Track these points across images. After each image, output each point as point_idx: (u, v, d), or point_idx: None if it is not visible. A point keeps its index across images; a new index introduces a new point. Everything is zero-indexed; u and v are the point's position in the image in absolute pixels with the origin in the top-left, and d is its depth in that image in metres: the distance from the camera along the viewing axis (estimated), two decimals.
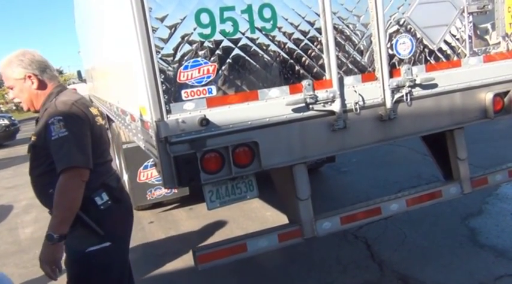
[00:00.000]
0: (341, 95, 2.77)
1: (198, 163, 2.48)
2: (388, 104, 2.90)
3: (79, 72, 15.58)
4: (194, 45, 2.45)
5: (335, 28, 2.73)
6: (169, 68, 2.42)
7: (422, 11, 2.96)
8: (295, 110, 2.68)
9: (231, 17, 2.48)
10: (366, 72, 2.88)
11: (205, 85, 2.49)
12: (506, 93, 3.27)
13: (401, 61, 2.96)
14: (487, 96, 3.21)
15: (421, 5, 2.95)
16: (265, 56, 2.60)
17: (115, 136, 6.39)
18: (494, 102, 3.21)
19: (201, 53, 2.46)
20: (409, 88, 2.95)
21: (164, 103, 2.42)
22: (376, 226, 4.30)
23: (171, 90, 2.43)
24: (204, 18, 2.44)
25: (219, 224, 5.12)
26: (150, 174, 5.33)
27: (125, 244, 2.46)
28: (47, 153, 2.17)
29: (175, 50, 2.42)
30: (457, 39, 3.11)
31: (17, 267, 4.73)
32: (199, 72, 2.47)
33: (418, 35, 2.99)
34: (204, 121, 2.46)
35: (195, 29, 2.43)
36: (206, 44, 2.47)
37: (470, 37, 3.15)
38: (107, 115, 6.39)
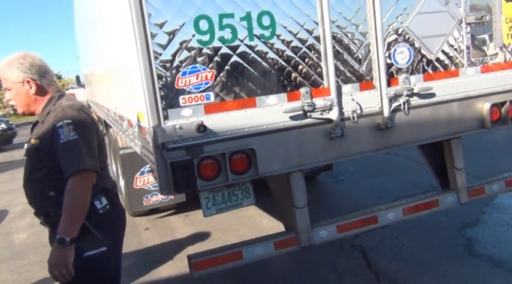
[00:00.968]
0: (339, 103, 2.77)
1: (194, 169, 2.47)
2: (386, 113, 2.90)
3: (77, 77, 15.58)
4: (193, 52, 2.45)
5: (333, 37, 2.74)
6: (168, 74, 2.42)
7: (421, 20, 2.97)
8: (292, 118, 2.68)
9: (230, 24, 2.49)
10: (363, 81, 2.88)
11: (203, 91, 2.49)
12: (503, 103, 3.28)
13: (399, 70, 2.97)
14: (484, 106, 3.22)
15: (420, 15, 2.97)
16: (263, 63, 2.61)
17: (112, 142, 6.37)
18: (492, 112, 3.22)
19: (199, 59, 2.46)
20: (407, 98, 2.95)
21: (162, 109, 2.41)
22: (373, 234, 4.29)
23: (168, 96, 2.43)
24: (203, 24, 2.44)
25: (215, 232, 5.10)
26: (146, 180, 5.31)
27: (119, 248, 2.47)
28: (50, 157, 2.17)
29: (174, 56, 2.42)
30: (455, 49, 3.13)
31: (10, 273, 4.70)
32: (197, 79, 2.47)
33: (416, 45, 3.00)
34: (202, 128, 2.45)
35: (193, 36, 2.44)
36: (205, 50, 2.47)
37: (468, 47, 3.16)
38: (104, 120, 6.38)
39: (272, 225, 4.96)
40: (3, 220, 6.74)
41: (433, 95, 3.04)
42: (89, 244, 2.17)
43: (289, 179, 2.82)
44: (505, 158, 6.50)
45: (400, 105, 2.95)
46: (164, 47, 2.40)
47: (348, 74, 2.84)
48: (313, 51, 2.72)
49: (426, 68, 3.05)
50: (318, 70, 2.75)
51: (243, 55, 2.55)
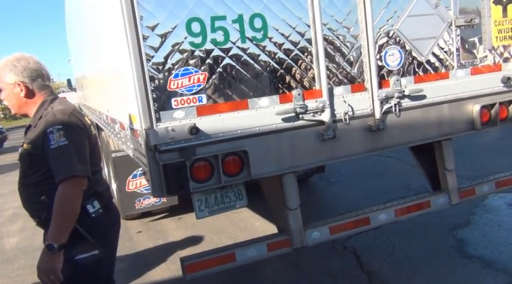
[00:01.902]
0: (331, 105, 2.79)
1: (187, 171, 2.47)
2: (377, 115, 2.92)
3: (69, 81, 15.51)
4: (185, 54, 2.45)
5: (325, 39, 2.76)
6: (160, 76, 2.42)
7: (411, 23, 3.00)
8: (285, 120, 2.69)
9: (222, 26, 2.50)
10: (355, 83, 2.90)
11: (196, 93, 2.50)
12: (492, 105, 3.32)
13: (390, 72, 2.99)
14: (474, 108, 3.25)
15: (410, 18, 2.99)
16: (255, 65, 2.62)
17: (104, 145, 6.35)
18: (482, 113, 3.25)
19: (191, 61, 2.47)
20: (398, 99, 2.98)
21: (154, 112, 2.41)
22: (365, 236, 4.31)
23: (161, 98, 2.43)
24: (195, 27, 2.45)
25: (208, 234, 5.09)
26: (139, 183, 5.29)
27: (112, 251, 2.45)
28: (42, 162, 2.16)
29: (166, 58, 2.42)
30: (445, 52, 3.16)
31: (1, 277, 4.66)
32: (189, 81, 2.47)
33: (407, 47, 3.03)
34: (194, 130, 2.45)
35: (186, 38, 2.44)
36: (197, 52, 2.47)
37: (457, 50, 3.20)
38: (96, 124, 6.35)
39: (265, 227, 4.96)
40: None
41: (423, 97, 3.07)
42: (81, 248, 2.17)
43: (281, 181, 2.83)
44: (494, 160, 6.57)
45: (391, 107, 2.97)
46: (156, 49, 2.40)
47: (340, 76, 2.86)
48: (305, 54, 2.73)
49: (417, 70, 3.08)
50: (310, 72, 2.76)
51: (235, 57, 2.56)
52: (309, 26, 2.72)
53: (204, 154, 2.51)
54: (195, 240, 4.98)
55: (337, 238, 3.23)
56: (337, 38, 2.83)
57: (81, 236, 2.13)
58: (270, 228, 4.42)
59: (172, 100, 2.45)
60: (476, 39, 3.31)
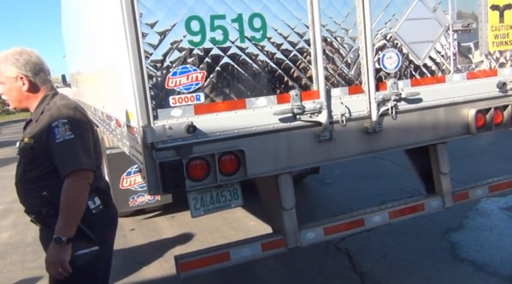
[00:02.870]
0: (328, 106, 2.80)
1: (183, 170, 2.47)
2: (374, 117, 2.94)
3: (63, 76, 15.41)
4: (183, 52, 2.45)
5: (324, 40, 2.77)
6: (158, 74, 2.41)
7: (409, 27, 3.02)
8: (282, 120, 2.70)
9: (222, 25, 2.50)
10: (352, 85, 2.91)
11: (194, 92, 2.49)
12: (488, 110, 3.34)
13: (387, 75, 3.01)
14: (469, 112, 3.28)
15: (408, 21, 3.01)
16: (254, 65, 2.62)
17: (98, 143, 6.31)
18: (477, 118, 3.28)
19: (190, 60, 2.47)
20: (395, 102, 2.99)
21: (151, 109, 2.41)
22: (359, 238, 4.32)
23: (158, 96, 2.43)
24: (195, 25, 2.45)
25: (202, 233, 5.09)
26: (133, 180, 5.28)
27: (110, 248, 2.46)
28: (45, 156, 2.15)
29: (165, 56, 2.41)
30: (442, 56, 3.18)
31: None
32: (187, 79, 2.47)
33: (405, 50, 3.05)
34: (191, 128, 2.45)
35: (184, 36, 2.44)
36: (195, 51, 2.47)
37: (454, 54, 3.22)
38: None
39: (259, 227, 4.96)
40: None
41: (420, 100, 3.09)
42: (81, 243, 2.16)
43: (277, 181, 2.83)
44: (488, 164, 6.61)
45: (387, 109, 2.98)
46: (155, 47, 2.39)
47: (338, 78, 2.87)
48: (303, 54, 2.74)
49: (414, 73, 3.09)
50: (308, 73, 2.77)
51: (233, 56, 2.56)
52: (308, 27, 2.72)
53: (200, 153, 2.51)
54: (189, 239, 4.98)
55: (331, 239, 3.24)
56: (336, 39, 2.84)
57: (81, 232, 2.13)
58: (264, 228, 4.43)
59: (170, 98, 2.45)
60: (472, 44, 3.33)
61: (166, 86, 2.43)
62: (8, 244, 5.47)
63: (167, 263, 4.29)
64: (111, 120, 3.80)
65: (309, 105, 2.74)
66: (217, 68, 2.53)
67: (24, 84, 2.27)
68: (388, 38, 2.99)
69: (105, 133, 5.18)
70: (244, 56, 2.58)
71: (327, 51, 2.81)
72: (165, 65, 2.42)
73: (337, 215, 3.26)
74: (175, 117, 2.46)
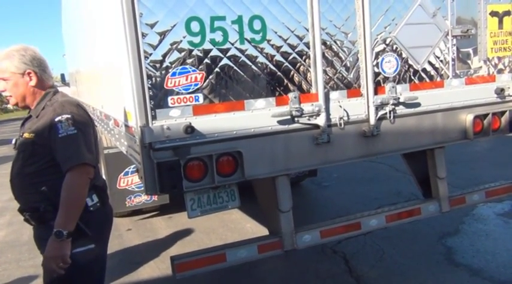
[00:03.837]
0: (326, 109, 2.80)
1: (181, 170, 2.47)
2: (372, 120, 2.94)
3: (62, 75, 15.38)
4: (183, 53, 2.45)
5: (323, 43, 2.78)
6: (157, 74, 2.42)
7: (408, 31, 3.03)
8: (280, 122, 2.70)
9: (221, 26, 2.50)
10: (351, 88, 2.92)
11: (192, 93, 2.50)
12: (485, 115, 3.35)
13: (386, 79, 3.02)
14: (467, 118, 3.29)
15: (407, 26, 3.02)
16: (253, 67, 2.63)
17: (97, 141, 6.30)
18: (474, 123, 3.29)
19: (189, 60, 2.47)
20: (393, 106, 3.00)
21: (150, 109, 2.41)
22: (355, 241, 4.32)
23: (157, 96, 2.43)
24: (195, 26, 2.45)
25: (198, 234, 5.08)
26: (130, 180, 5.27)
27: (105, 246, 2.46)
28: (45, 151, 2.17)
29: (164, 56, 2.42)
30: (441, 61, 3.19)
31: None
32: (186, 80, 2.47)
33: (404, 55, 3.06)
34: (189, 129, 2.45)
35: (184, 37, 2.44)
36: (195, 52, 2.48)
37: (453, 59, 3.23)
38: None
39: (255, 229, 4.96)
40: None
41: (418, 105, 3.10)
42: (78, 241, 2.16)
43: (275, 183, 2.83)
44: (485, 169, 6.63)
45: (386, 113, 2.99)
46: (155, 47, 2.40)
47: (336, 81, 2.87)
48: (303, 57, 2.75)
49: (412, 77, 3.10)
50: (307, 76, 2.77)
51: (233, 58, 2.56)
52: (307, 30, 2.73)
53: (198, 154, 2.51)
54: (185, 240, 4.97)
55: (327, 242, 3.25)
56: (335, 42, 2.84)
57: (79, 229, 2.13)
58: (261, 230, 4.42)
59: (169, 98, 2.45)
60: (471, 50, 3.34)
61: (165, 86, 2.44)
62: (3, 242, 5.46)
63: (163, 264, 4.28)
64: (109, 120, 3.80)
65: (307, 107, 2.75)
66: (217, 69, 2.54)
67: (31, 79, 2.28)
68: (387, 42, 3.00)
69: (103, 132, 5.17)
70: (243, 58, 2.59)
71: (326, 54, 2.81)
72: (164, 65, 2.42)
73: (334, 218, 3.26)
74: (174, 118, 2.47)
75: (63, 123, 2.12)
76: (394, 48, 3.03)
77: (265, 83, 2.67)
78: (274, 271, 3.98)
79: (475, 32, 3.28)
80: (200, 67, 2.50)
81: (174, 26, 2.42)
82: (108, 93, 3.61)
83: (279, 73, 2.69)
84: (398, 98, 3.00)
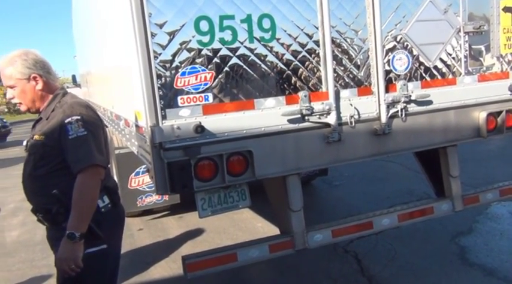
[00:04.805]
0: (337, 108, 2.78)
1: (191, 170, 2.47)
2: (383, 119, 2.92)
3: (74, 77, 15.52)
4: (192, 52, 2.45)
5: (333, 41, 2.76)
6: (167, 74, 2.42)
7: (420, 28, 3.00)
8: (290, 121, 2.69)
9: (231, 25, 2.50)
10: (362, 86, 2.90)
11: (202, 92, 2.49)
12: (499, 112, 3.30)
13: (397, 77, 2.99)
14: (480, 115, 3.24)
15: (419, 23, 2.99)
16: (262, 65, 2.62)
17: (107, 142, 6.34)
18: (488, 121, 3.24)
19: (198, 60, 2.47)
20: (404, 104, 2.97)
21: (160, 109, 2.41)
22: (367, 240, 4.29)
23: (167, 96, 2.43)
24: (204, 25, 2.45)
25: (209, 234, 5.08)
26: (141, 180, 5.29)
27: (118, 247, 2.47)
28: (55, 153, 2.17)
29: (174, 56, 2.42)
30: (453, 58, 3.15)
31: (1, 270, 4.65)
32: (196, 79, 2.47)
33: (415, 52, 3.02)
34: (199, 129, 2.45)
35: (194, 36, 2.44)
36: (204, 51, 2.47)
37: (465, 56, 3.19)
38: None
39: (266, 229, 4.95)
40: None
41: (430, 102, 3.06)
42: (90, 242, 2.17)
43: (285, 182, 2.82)
44: (498, 168, 6.54)
45: (397, 111, 2.96)
46: (164, 47, 2.40)
47: (347, 79, 2.85)
48: (312, 55, 2.73)
49: (424, 75, 3.07)
50: (317, 74, 2.76)
51: (242, 57, 2.56)
52: (317, 28, 2.71)
53: (208, 153, 2.51)
54: (196, 239, 4.97)
55: (339, 241, 3.22)
56: (345, 40, 2.82)
57: (91, 230, 2.14)
58: (272, 229, 4.41)
59: (179, 98, 2.45)
60: (483, 47, 3.29)
61: (174, 86, 2.44)
62: (17, 242, 5.52)
63: (174, 264, 4.29)
64: (120, 120, 3.82)
65: (317, 106, 2.73)
66: (226, 68, 2.53)
67: (37, 83, 2.27)
68: (398, 39, 2.97)
69: (114, 133, 5.20)
70: (253, 57, 2.58)
71: (336, 52, 2.79)
72: (173, 64, 2.43)
73: (345, 217, 3.24)
74: (184, 117, 2.47)
75: (73, 124, 2.12)
76: (405, 45, 2.99)
77: (274, 82, 2.66)
78: (285, 271, 3.96)
79: (487, 28, 3.24)
80: (209, 66, 2.49)
81: (183, 25, 2.42)
82: (119, 93, 3.62)
83: (288, 71, 2.68)
84: (410, 96, 2.97)
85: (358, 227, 3.07)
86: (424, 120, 3.08)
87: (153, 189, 2.56)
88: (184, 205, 5.16)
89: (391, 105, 2.94)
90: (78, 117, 2.15)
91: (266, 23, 2.58)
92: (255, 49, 2.59)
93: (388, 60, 2.94)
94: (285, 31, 2.64)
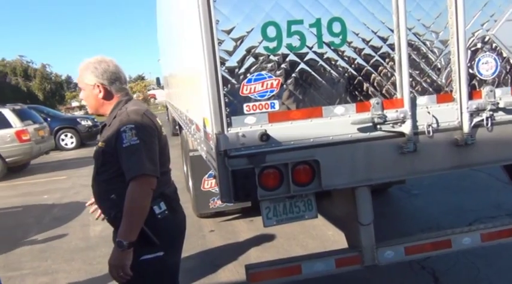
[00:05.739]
0: (412, 116, 2.60)
1: (255, 178, 2.43)
2: (466, 128, 2.67)
3: (158, 79, 16.36)
4: (259, 59, 2.41)
5: (410, 44, 2.58)
6: (233, 81, 2.40)
7: (510, 28, 2.70)
8: (361, 129, 2.55)
9: (299, 30, 2.42)
10: (442, 93, 2.68)
11: (268, 99, 2.44)
12: None
13: (483, 82, 2.72)
14: None
15: (509, 22, 2.70)
16: (332, 71, 2.51)
17: (184, 143, 6.53)
18: None
19: (265, 66, 2.42)
20: (491, 112, 2.70)
21: (226, 116, 2.40)
22: (446, 257, 3.96)
23: (233, 103, 2.41)
24: (271, 31, 2.40)
25: (278, 240, 5.02)
26: (214, 182, 5.36)
27: (177, 255, 2.46)
28: (114, 160, 2.22)
29: (240, 62, 2.40)
30: None
31: (84, 263, 4.96)
32: (262, 86, 2.43)
33: (504, 55, 2.74)
34: (265, 137, 2.40)
35: (261, 42, 2.40)
36: (271, 57, 2.42)
37: None
38: (178, 122, 6.56)
39: (337, 237, 4.78)
40: (82, 212, 7.15)
41: None
42: (146, 248, 2.20)
43: (354, 194, 2.68)
44: None
45: (482, 120, 2.70)
46: (231, 54, 2.39)
47: (425, 85, 2.65)
48: (386, 60, 2.57)
49: None
50: (391, 80, 2.59)
51: (310, 63, 2.47)
52: (392, 31, 2.55)
53: (273, 162, 2.46)
54: (265, 245, 4.94)
55: (412, 259, 3.00)
56: (424, 43, 2.62)
57: (146, 237, 2.16)
58: (343, 239, 4.24)
59: (245, 105, 2.42)
60: None
61: (240, 93, 2.41)
62: (99, 237, 5.85)
63: (242, 268, 4.24)
64: (192, 124, 3.89)
65: (391, 114, 2.56)
66: (293, 75, 2.46)
67: (100, 91, 2.36)
68: (484, 40, 2.70)
69: (188, 136, 5.33)
70: (321, 62, 2.49)
71: (413, 56, 2.61)
72: (240, 71, 2.40)
73: (423, 230, 3.01)
74: (249, 125, 2.43)
75: (127, 132, 2.15)
76: (493, 47, 2.72)
77: (344, 88, 2.54)
78: None
79: None
80: (276, 73, 2.44)
81: (250, 31, 2.39)
82: (191, 98, 3.69)
83: (359, 77, 2.54)
84: (498, 103, 2.69)
85: (435, 246, 2.84)
86: None
87: (219, 195, 2.55)
88: (255, 208, 5.12)
89: (475, 113, 2.69)
90: (132, 126, 2.17)
91: (336, 27, 2.47)
92: (325, 54, 2.49)
93: (472, 64, 2.69)
94: (357, 35, 2.51)
